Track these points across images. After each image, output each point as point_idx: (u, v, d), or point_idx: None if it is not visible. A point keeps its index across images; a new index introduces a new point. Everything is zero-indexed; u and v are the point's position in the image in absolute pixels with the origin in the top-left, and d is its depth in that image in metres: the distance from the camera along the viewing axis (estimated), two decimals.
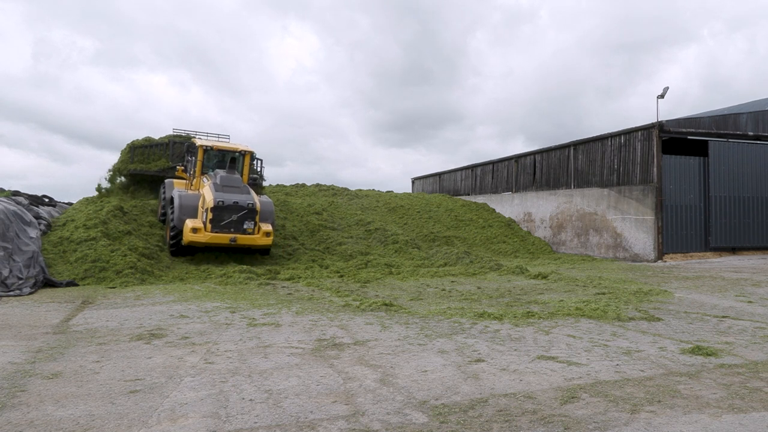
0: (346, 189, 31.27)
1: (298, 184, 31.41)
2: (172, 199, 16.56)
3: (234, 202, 15.55)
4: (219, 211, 15.37)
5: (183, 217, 15.74)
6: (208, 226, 15.26)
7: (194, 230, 15.17)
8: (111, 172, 21.91)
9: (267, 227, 16.17)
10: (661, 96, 21.97)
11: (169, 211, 16.35)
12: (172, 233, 15.87)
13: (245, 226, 15.64)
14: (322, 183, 31.78)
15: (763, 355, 6.36)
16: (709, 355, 6.30)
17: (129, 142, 22.24)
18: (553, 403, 4.71)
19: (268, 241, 16.07)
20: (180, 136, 21.75)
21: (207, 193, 15.80)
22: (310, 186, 31.06)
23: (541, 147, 29.20)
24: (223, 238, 15.44)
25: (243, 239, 15.60)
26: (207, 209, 15.39)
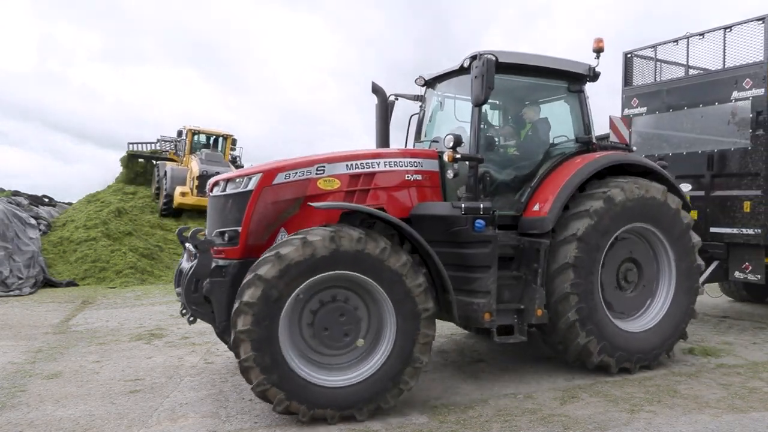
0: None
1: None
2: (165, 173, 19.88)
3: (216, 172, 19.24)
4: (203, 179, 18.12)
5: (174, 185, 18.94)
6: (195, 191, 18.33)
7: (182, 194, 18.31)
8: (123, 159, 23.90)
9: None
10: None
11: (164, 183, 19.53)
12: (165, 199, 18.92)
13: None
14: None
15: (763, 355, 6.35)
16: (709, 355, 6.30)
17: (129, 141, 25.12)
18: (553, 403, 4.71)
19: None
20: (166, 141, 24.63)
21: (194, 166, 19.20)
22: None
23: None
24: (206, 201, 18.22)
25: None
26: (193, 178, 18.66)
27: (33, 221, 14.63)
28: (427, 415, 4.42)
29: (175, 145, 22.46)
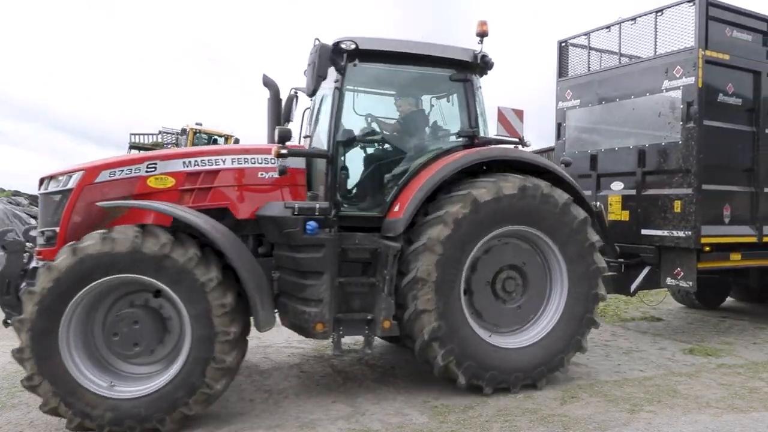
0: None
1: None
2: None
3: None
4: None
5: None
6: None
7: None
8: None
9: None
10: None
11: None
12: None
13: None
14: None
15: (763, 355, 6.36)
16: (709, 355, 6.30)
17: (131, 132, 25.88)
18: (553, 403, 4.71)
19: None
20: (168, 133, 25.53)
21: None
22: None
23: (542, 147, 29.08)
24: None
25: None
26: None
27: (33, 221, 14.67)
28: (427, 415, 4.42)
29: (177, 140, 22.81)
